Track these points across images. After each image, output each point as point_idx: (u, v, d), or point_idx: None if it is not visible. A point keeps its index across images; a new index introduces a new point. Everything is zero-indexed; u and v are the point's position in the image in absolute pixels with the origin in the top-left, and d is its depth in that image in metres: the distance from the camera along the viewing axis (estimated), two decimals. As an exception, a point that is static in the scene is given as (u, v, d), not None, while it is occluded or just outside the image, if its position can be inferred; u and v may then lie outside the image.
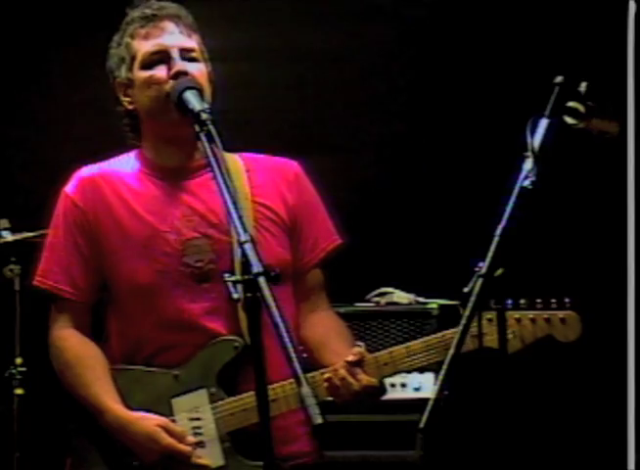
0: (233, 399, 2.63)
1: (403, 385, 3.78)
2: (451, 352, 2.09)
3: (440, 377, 2.10)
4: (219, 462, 2.62)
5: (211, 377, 2.64)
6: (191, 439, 2.62)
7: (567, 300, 2.71)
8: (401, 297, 4.00)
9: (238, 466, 2.62)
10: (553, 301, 2.71)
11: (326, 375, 2.59)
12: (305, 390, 1.95)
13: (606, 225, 3.56)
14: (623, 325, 2.97)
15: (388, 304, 4.00)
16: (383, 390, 2.70)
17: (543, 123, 2.29)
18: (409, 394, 3.77)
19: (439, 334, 2.70)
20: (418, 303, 3.98)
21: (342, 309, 3.87)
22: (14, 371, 3.88)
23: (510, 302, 2.51)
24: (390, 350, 2.69)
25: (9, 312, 3.89)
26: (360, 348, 2.65)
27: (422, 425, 2.06)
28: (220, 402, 2.63)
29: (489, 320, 2.50)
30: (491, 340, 2.50)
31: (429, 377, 3.78)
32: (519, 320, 2.66)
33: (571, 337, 2.70)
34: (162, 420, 2.61)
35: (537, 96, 2.34)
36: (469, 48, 4.36)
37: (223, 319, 2.64)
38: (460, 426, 3.65)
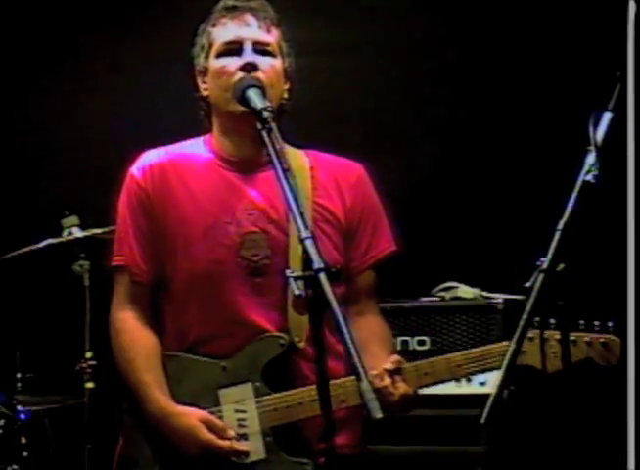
0: (277, 395, 2.65)
1: (468, 379, 3.75)
2: (512, 347, 2.09)
3: (501, 373, 2.10)
4: (261, 455, 2.65)
5: (257, 371, 2.66)
6: (231, 432, 2.64)
7: (610, 323, 2.65)
8: (466, 291, 3.97)
9: (278, 461, 2.64)
10: (596, 323, 2.65)
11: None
12: (365, 384, 1.96)
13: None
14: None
15: (453, 298, 3.98)
16: (418, 401, 2.69)
17: (606, 117, 2.27)
18: (474, 388, 3.75)
19: (480, 348, 2.70)
20: (483, 297, 3.95)
21: (406, 304, 3.95)
22: (84, 365, 3.93)
23: (552, 321, 2.45)
24: (431, 360, 2.69)
25: (79, 307, 3.95)
26: (398, 356, 2.66)
27: (483, 420, 2.07)
28: (265, 397, 2.66)
29: (531, 339, 2.49)
30: (532, 358, 2.49)
31: (494, 372, 3.76)
32: (560, 341, 2.54)
33: (612, 362, 2.64)
34: (204, 415, 2.64)
35: (600, 90, 2.32)
36: (533, 36, 4.33)
37: (272, 315, 2.67)
38: (524, 421, 3.62)
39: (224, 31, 2.72)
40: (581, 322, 2.66)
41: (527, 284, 2.52)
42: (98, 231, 3.94)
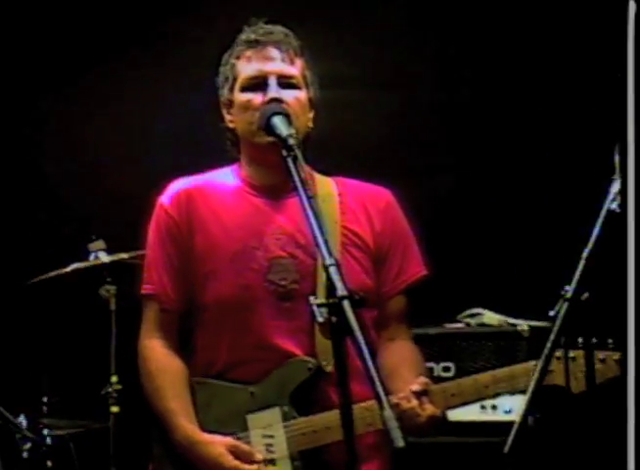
0: (304, 419, 2.66)
1: (494, 407, 3.74)
2: (535, 376, 2.08)
3: (525, 401, 2.09)
4: None
5: (285, 396, 2.67)
6: (259, 456, 2.65)
7: None
8: (492, 318, 3.97)
9: None
10: None
11: (394, 401, 2.56)
12: (388, 412, 1.95)
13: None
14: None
15: (479, 325, 3.98)
16: (443, 423, 2.68)
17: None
18: (500, 416, 3.74)
19: (508, 368, 2.69)
20: (508, 324, 3.95)
21: (432, 331, 3.94)
22: (110, 389, 3.94)
23: (580, 340, 2.45)
24: (459, 381, 2.69)
25: (105, 332, 3.97)
26: (425, 379, 2.66)
27: (506, 449, 2.06)
28: (292, 421, 2.67)
29: (558, 358, 2.48)
30: (559, 378, 2.49)
31: (520, 399, 3.73)
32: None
33: None
34: (230, 442, 2.65)
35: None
36: (558, 59, 4.34)
37: (300, 340, 2.68)
38: (547, 450, 3.60)
39: (248, 65, 2.75)
40: (610, 341, 2.65)
41: (551, 313, 2.52)
42: (124, 256, 3.97)
